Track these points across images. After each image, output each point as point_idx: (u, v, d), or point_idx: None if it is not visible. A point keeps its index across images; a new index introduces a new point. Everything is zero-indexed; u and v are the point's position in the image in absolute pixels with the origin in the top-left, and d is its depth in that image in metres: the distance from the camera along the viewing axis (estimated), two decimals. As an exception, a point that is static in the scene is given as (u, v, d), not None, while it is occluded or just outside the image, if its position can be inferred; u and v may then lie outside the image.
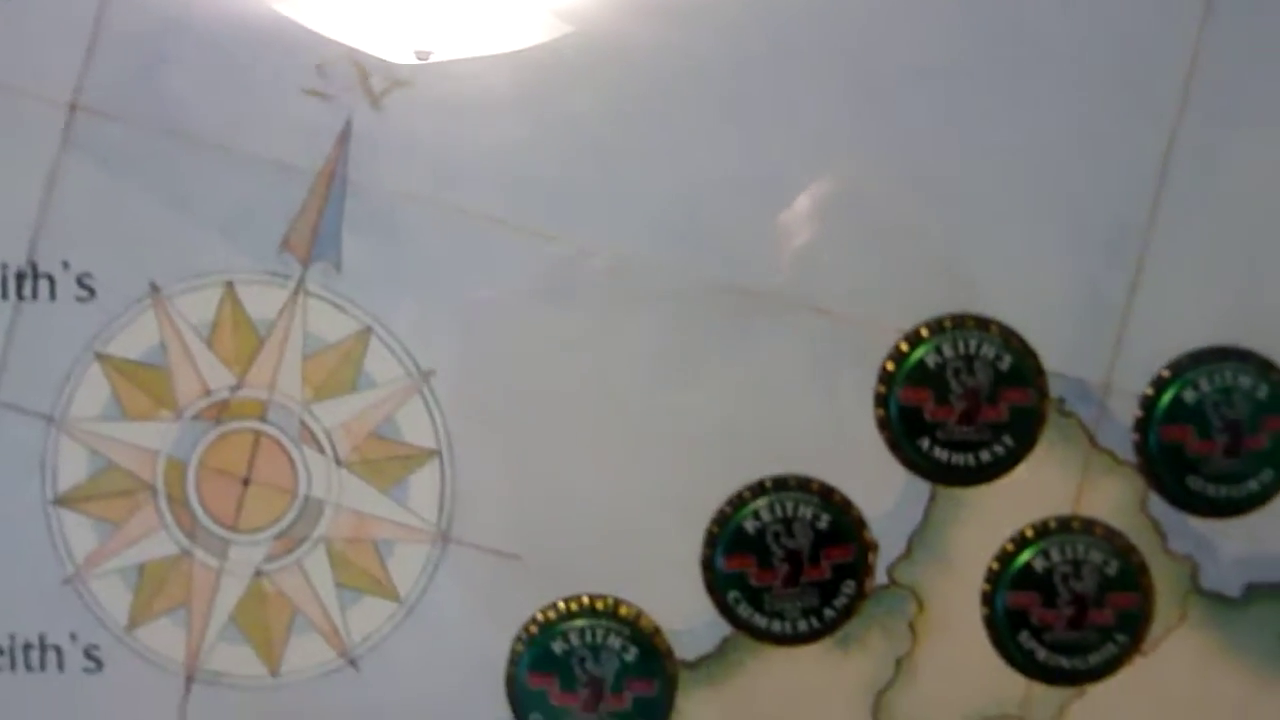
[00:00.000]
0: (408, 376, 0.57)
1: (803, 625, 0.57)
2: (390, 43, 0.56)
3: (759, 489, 0.57)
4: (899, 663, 0.57)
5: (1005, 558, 0.57)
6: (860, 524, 0.57)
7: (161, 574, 0.58)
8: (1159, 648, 0.57)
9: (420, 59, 0.56)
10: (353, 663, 0.58)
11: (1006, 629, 0.56)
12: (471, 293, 0.57)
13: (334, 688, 0.58)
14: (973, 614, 0.57)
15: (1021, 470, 0.57)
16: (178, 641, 0.58)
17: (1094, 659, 0.56)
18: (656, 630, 0.57)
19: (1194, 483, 0.56)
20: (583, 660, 0.57)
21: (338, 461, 0.58)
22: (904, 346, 0.56)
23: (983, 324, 0.56)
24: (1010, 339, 0.56)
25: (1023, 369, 0.56)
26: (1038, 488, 0.57)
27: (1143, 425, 0.56)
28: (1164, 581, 0.57)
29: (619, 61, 0.56)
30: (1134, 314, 0.56)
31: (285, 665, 0.58)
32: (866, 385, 0.57)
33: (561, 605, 0.57)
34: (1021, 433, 0.56)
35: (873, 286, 0.56)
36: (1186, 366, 0.56)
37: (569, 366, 0.57)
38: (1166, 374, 0.56)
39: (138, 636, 0.58)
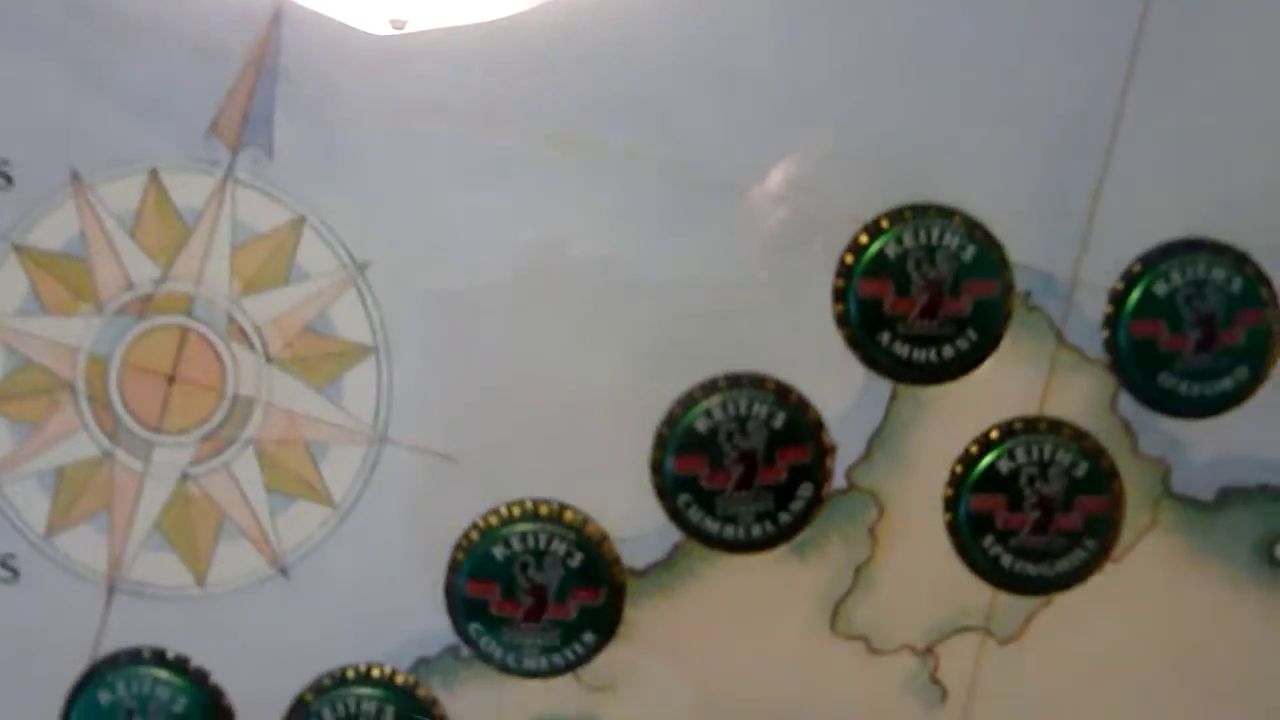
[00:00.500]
0: (342, 269, 0.54)
1: (757, 531, 0.54)
2: (323, -87, 0.53)
3: (711, 387, 0.54)
4: (858, 571, 0.55)
5: (969, 460, 0.54)
6: (818, 425, 0.54)
7: (81, 478, 0.55)
8: (1129, 554, 0.55)
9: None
10: (284, 571, 0.55)
11: (970, 534, 0.54)
12: (409, 180, 0.54)
13: (264, 598, 0.55)
14: (935, 520, 0.55)
15: (986, 368, 0.54)
16: (99, 549, 0.55)
17: (1061, 565, 0.54)
18: (604, 537, 0.54)
19: (1166, 380, 0.54)
20: (525, 567, 0.54)
21: (268, 359, 0.55)
22: (863, 238, 0.54)
23: (946, 213, 0.53)
24: (974, 229, 0.53)
25: (987, 260, 0.53)
26: (1003, 387, 0.54)
27: (1112, 321, 0.54)
28: (1134, 485, 0.54)
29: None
30: (1102, 205, 0.54)
31: (213, 574, 0.55)
32: (824, 280, 0.54)
33: (504, 510, 0.54)
34: (985, 327, 0.54)
35: (831, 177, 0.54)
36: (1157, 259, 0.54)
37: (513, 259, 0.54)
38: (1137, 268, 0.54)
39: (56, 545, 0.55)
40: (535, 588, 0.54)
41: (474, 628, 0.54)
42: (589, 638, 0.54)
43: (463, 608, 0.54)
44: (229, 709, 0.55)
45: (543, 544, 0.54)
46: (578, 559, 0.54)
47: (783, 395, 0.54)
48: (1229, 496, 0.54)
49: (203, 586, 0.55)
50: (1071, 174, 0.54)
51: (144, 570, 0.55)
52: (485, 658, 0.55)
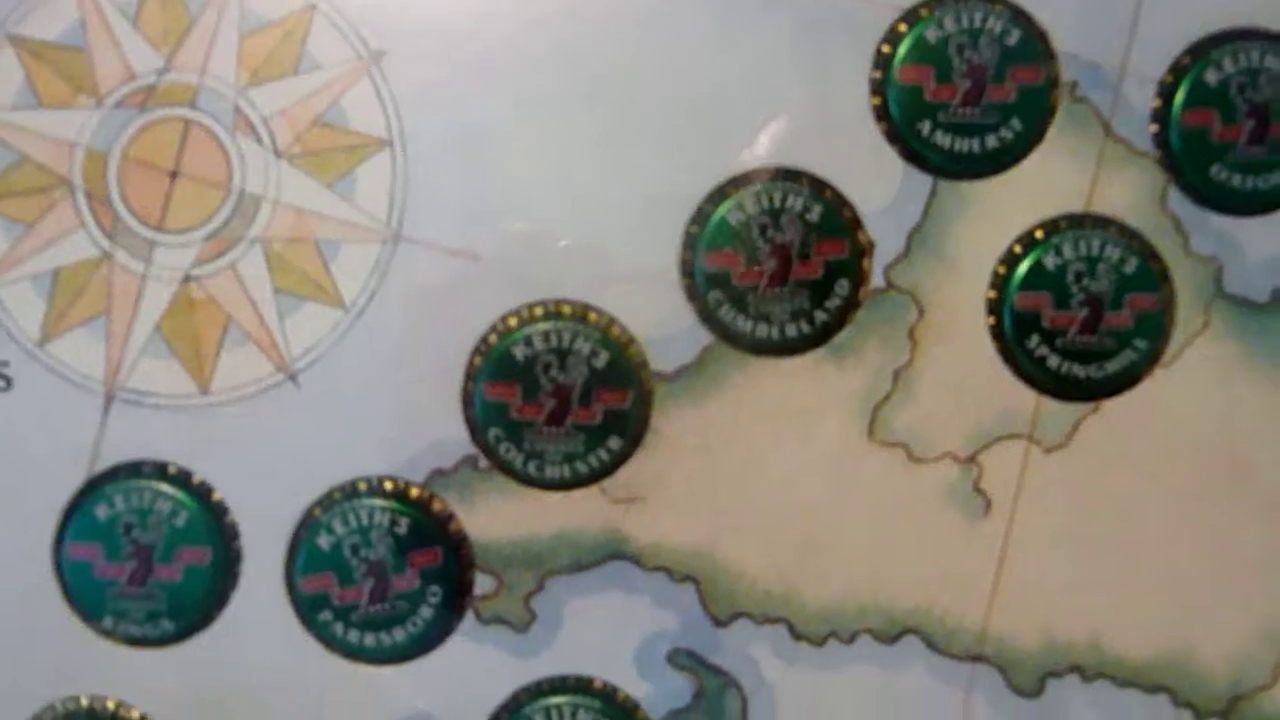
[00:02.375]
0: (356, 58, 0.52)
1: (792, 331, 0.52)
2: None
3: (743, 181, 0.52)
4: (897, 375, 0.53)
5: (1012, 260, 0.52)
6: (855, 222, 0.52)
7: (78, 280, 0.53)
8: (1180, 358, 0.53)
9: None
10: (292, 378, 0.53)
11: (1014, 335, 0.52)
12: (426, -36, 0.52)
13: (271, 406, 0.53)
14: (977, 322, 0.53)
15: (1030, 162, 0.52)
16: (96, 356, 0.53)
17: (1110, 367, 0.52)
18: (630, 340, 0.52)
19: (1218, 173, 0.52)
20: (547, 367, 0.52)
21: (276, 152, 0.52)
22: (901, 27, 0.52)
23: (989, -1, 0.51)
24: (1019, 14, 0.52)
25: (1032, 46, 0.52)
26: (1048, 182, 0.52)
27: (1161, 114, 0.52)
28: (1185, 285, 0.52)
29: None
30: (1152, -8, 0.52)
31: (217, 382, 0.53)
32: (861, 71, 0.52)
33: (524, 311, 0.52)
34: (1030, 116, 0.52)
35: (868, -35, 0.52)
36: (1208, 47, 0.52)
37: (536, 47, 0.52)
38: (1186, 59, 0.52)
39: (51, 351, 0.53)
40: (558, 389, 0.52)
41: (493, 433, 0.52)
42: (614, 443, 0.52)
43: (481, 412, 0.52)
44: (233, 525, 0.53)
45: (566, 342, 0.52)
46: (603, 358, 0.52)
47: (818, 190, 0.52)
48: (1284, 297, 0.52)
49: (206, 395, 0.53)
50: (1118, -39, 0.52)
51: (144, 378, 0.53)
52: (505, 467, 0.52)
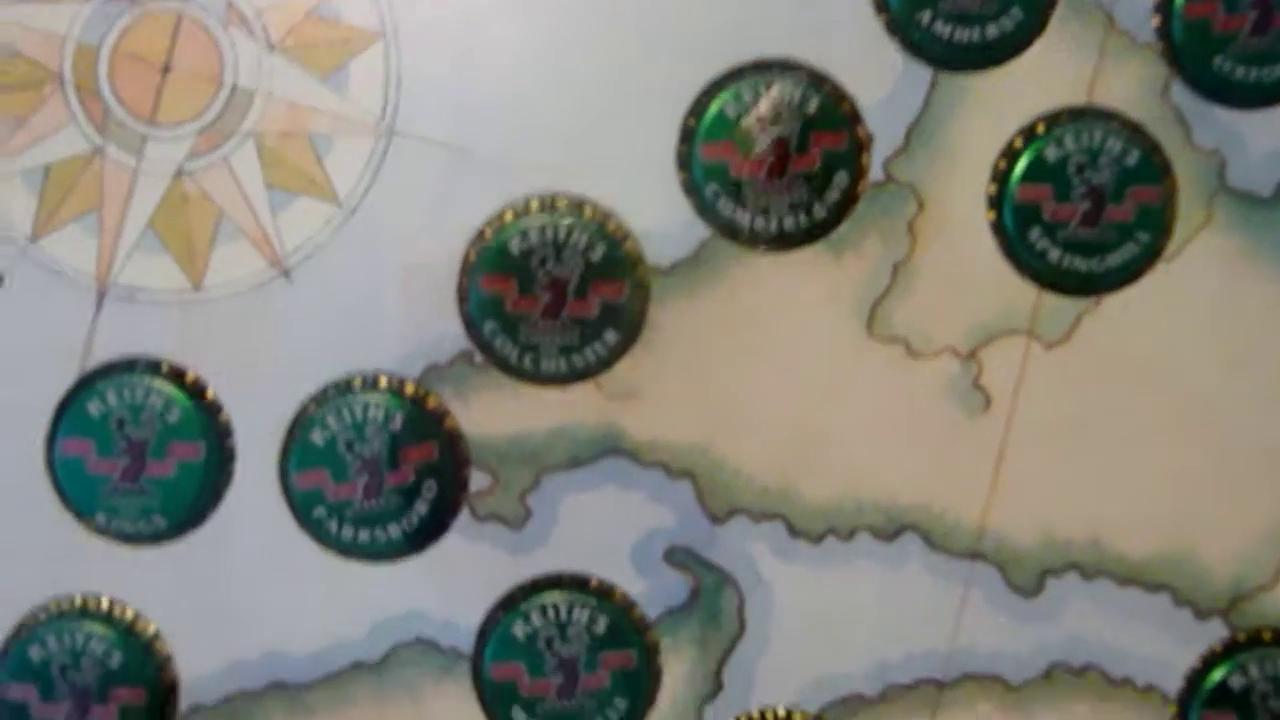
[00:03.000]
0: (348, -52, 0.52)
1: (790, 223, 0.51)
2: None
3: (737, 75, 0.51)
4: (896, 269, 0.52)
5: (1013, 153, 0.52)
6: (853, 115, 0.52)
7: (70, 175, 0.53)
8: (1182, 253, 0.52)
9: None
10: (285, 274, 0.53)
11: (1015, 229, 0.52)
12: None
13: (264, 302, 0.53)
14: (978, 216, 0.52)
15: (1031, 54, 0.52)
16: (88, 252, 0.53)
17: (1112, 260, 0.52)
18: (626, 235, 0.52)
19: (1221, 65, 0.51)
20: (544, 260, 0.51)
21: (269, 45, 0.52)
22: (901, -86, 0.51)
23: (989, -115, 0.51)
24: (1019, -97, 0.51)
25: (1033, -67, 0.51)
26: (1049, 74, 0.52)
27: (1164, 5, 0.52)
28: (1188, 178, 0.52)
29: None
30: (1156, -119, 0.51)
31: (210, 278, 0.53)
32: (860, -38, 0.51)
33: (519, 204, 0.52)
34: (1031, 6, 0.52)
35: None
36: (1213, -64, 0.51)
37: (529, -62, 0.52)
38: (1191, -51, 0.51)
39: (43, 247, 0.53)
40: (554, 282, 0.51)
41: (489, 327, 0.52)
42: (610, 337, 0.52)
43: (476, 307, 0.52)
44: (226, 423, 0.53)
45: (562, 236, 0.51)
46: (599, 251, 0.51)
47: (817, 82, 0.51)
48: (1288, 191, 0.52)
49: (199, 291, 0.53)
50: None
51: (136, 273, 0.53)
52: (500, 362, 0.52)
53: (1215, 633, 0.53)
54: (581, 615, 0.53)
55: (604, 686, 0.53)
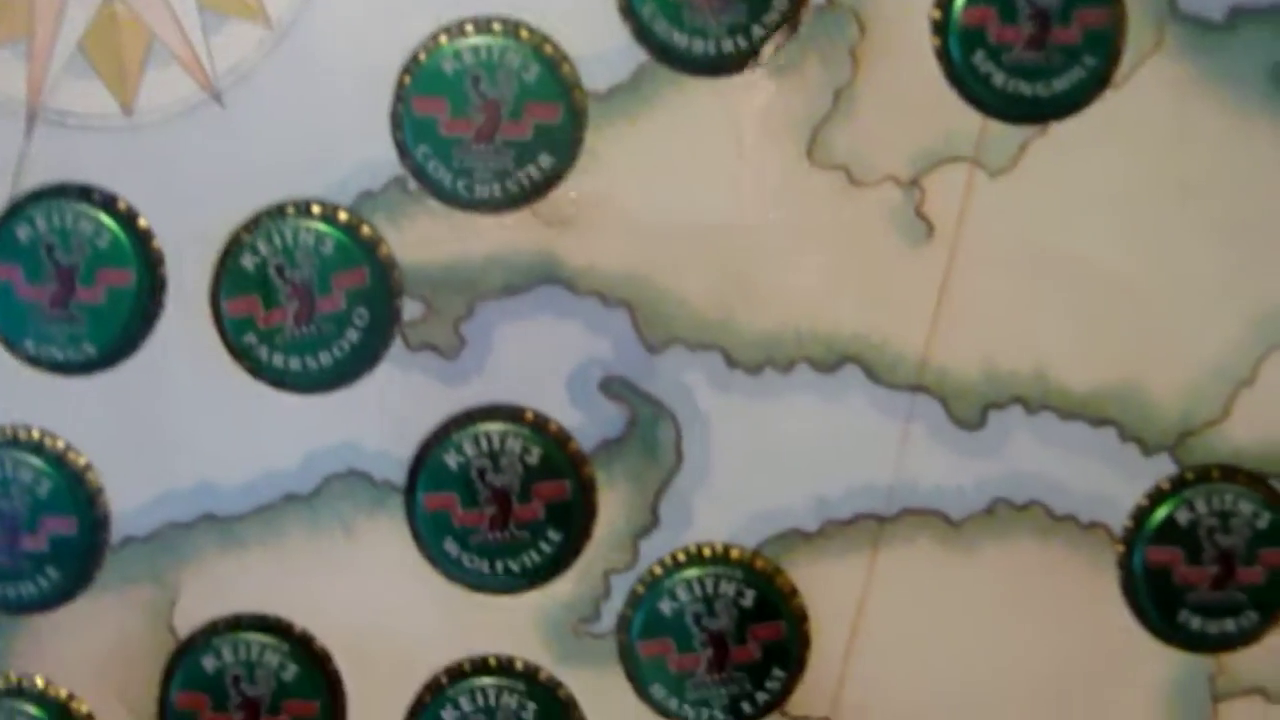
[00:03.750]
0: None
1: (728, 45, 0.51)
2: None
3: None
4: (838, 94, 0.51)
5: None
6: (792, -60, 0.50)
7: (-1, -3, 0.52)
8: (1131, 79, 0.51)
9: None
10: (217, 97, 0.52)
11: (960, 53, 0.51)
12: None
13: (196, 127, 0.53)
14: (921, 40, 0.51)
15: (976, -127, 0.50)
16: (17, 76, 0.53)
17: (1059, 85, 0.51)
18: (563, 57, 0.51)
19: (1173, -117, 0.50)
20: (477, 81, 0.52)
21: None
22: None
23: None
24: None
25: None
26: (995, -105, 0.50)
27: None
28: (1137, 2, 0.50)
29: None
30: None
31: (140, 101, 0.52)
32: None
33: (455, 26, 0.51)
34: None
35: None
36: None
37: None
38: None
39: (-28, 71, 0.52)
40: (488, 104, 0.51)
41: (421, 151, 0.51)
42: (545, 161, 0.51)
43: (410, 131, 0.52)
44: (158, 251, 0.52)
45: (496, 57, 0.51)
46: (534, 73, 0.51)
47: (756, -99, 0.50)
48: (1241, 17, 0.51)
49: (130, 115, 0.52)
50: None
51: (67, 97, 0.52)
52: (434, 188, 0.52)
53: (1162, 469, 0.52)
54: (515, 446, 0.52)
55: (537, 518, 0.52)
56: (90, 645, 0.54)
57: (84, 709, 0.54)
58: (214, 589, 0.54)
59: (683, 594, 0.52)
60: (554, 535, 0.52)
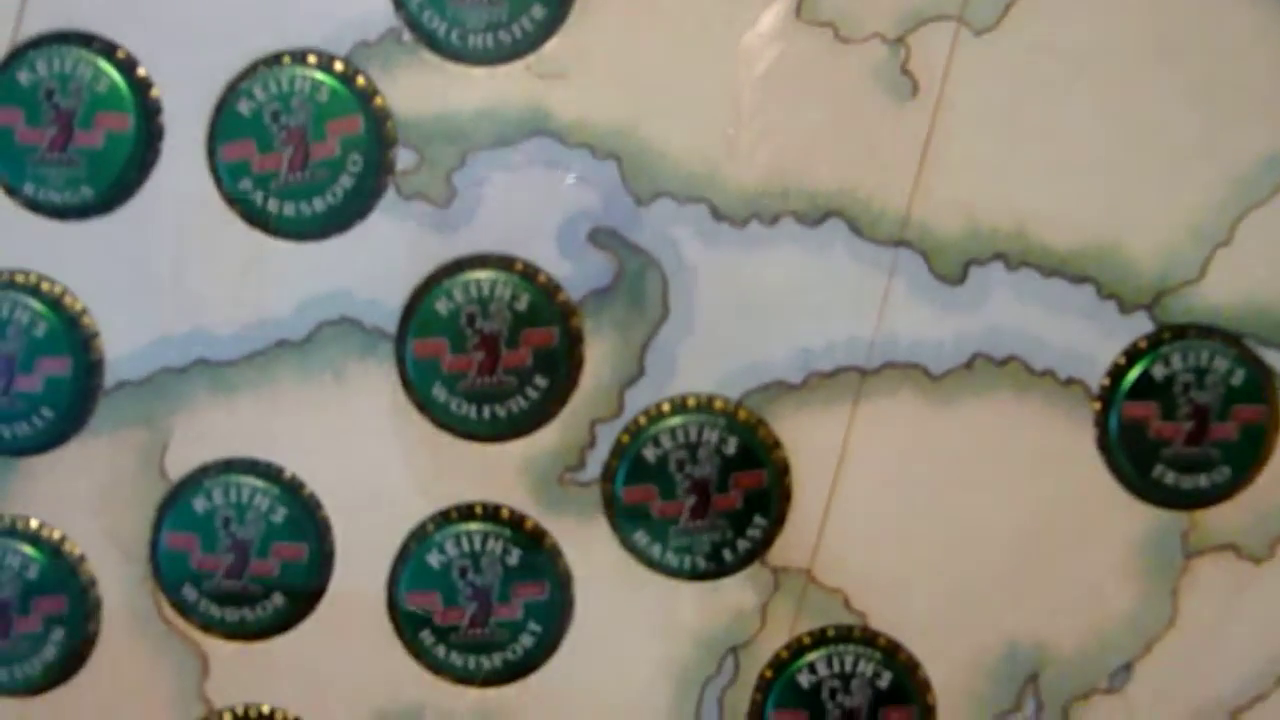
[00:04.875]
0: None
1: (719, -99, 0.51)
2: None
3: None
4: (826, -48, 0.52)
5: None
6: None
7: None
8: (1115, -58, 0.52)
9: None
10: (216, -53, 0.53)
11: (946, -88, 0.51)
12: None
13: (195, -24, 0.53)
14: (909, -100, 0.52)
15: None
16: (20, -76, 0.53)
17: (1042, -56, 0.51)
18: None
19: None
20: (472, -68, 0.51)
21: None
22: None
23: None
24: None
25: None
26: None
27: None
28: None
29: None
30: None
31: (141, -49, 0.53)
32: None
33: (450, -121, 0.52)
34: None
35: None
36: None
37: None
38: None
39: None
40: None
41: (416, 2, 0.52)
42: (538, 13, 0.53)
43: (405, -29, 0.52)
44: (156, 100, 0.54)
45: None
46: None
47: None
48: (1223, -117, 0.52)
49: (130, -36, 0.53)
50: None
51: (68, -54, 0.53)
52: (428, 39, 0.53)
53: (1140, 327, 0.53)
54: (504, 293, 0.53)
55: (525, 365, 0.53)
56: (83, 487, 0.55)
57: (76, 550, 0.55)
58: (205, 433, 0.55)
59: (666, 441, 0.53)
60: (541, 382, 0.53)
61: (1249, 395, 0.53)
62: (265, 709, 0.55)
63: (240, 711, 0.55)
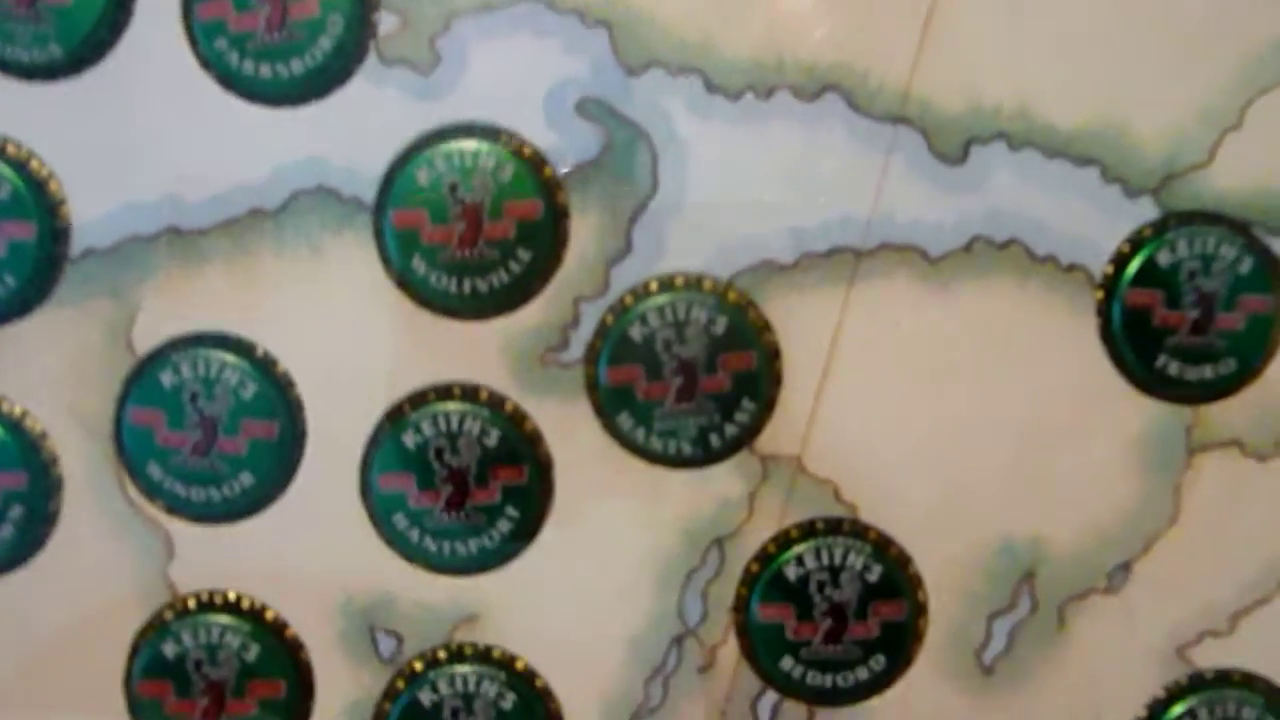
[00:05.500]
0: None
1: None
2: None
3: None
4: None
5: None
6: None
7: None
8: None
9: None
10: None
11: None
12: None
13: None
14: None
15: None
16: None
17: None
18: None
19: None
20: None
21: None
22: None
23: None
24: None
25: None
26: None
27: None
28: None
29: None
30: None
31: None
32: None
33: None
34: None
35: None
36: None
37: None
38: None
39: None
40: None
41: None
42: None
43: None
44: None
45: None
46: None
47: None
48: None
49: None
50: None
51: None
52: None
53: (1145, 213, 0.52)
54: (488, 163, 0.51)
55: (508, 236, 0.51)
56: (46, 361, 0.53)
57: (38, 427, 0.53)
58: (175, 306, 0.53)
59: (653, 320, 0.52)
60: (524, 255, 0.52)
61: (1256, 285, 0.51)
62: (231, 595, 0.53)
63: (205, 597, 0.54)
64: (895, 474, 0.53)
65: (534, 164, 0.52)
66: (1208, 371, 0.52)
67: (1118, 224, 0.52)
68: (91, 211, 0.53)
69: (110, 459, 0.53)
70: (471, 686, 0.53)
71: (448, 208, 0.51)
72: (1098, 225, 0.52)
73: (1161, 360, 0.52)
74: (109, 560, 0.54)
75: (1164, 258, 0.51)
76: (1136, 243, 0.52)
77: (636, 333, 0.52)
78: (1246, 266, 0.52)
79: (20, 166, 0.52)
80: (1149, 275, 0.52)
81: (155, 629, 0.54)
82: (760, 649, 0.53)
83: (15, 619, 0.54)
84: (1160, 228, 0.52)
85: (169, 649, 0.53)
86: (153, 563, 0.54)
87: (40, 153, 0.52)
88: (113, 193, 0.53)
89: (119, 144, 0.52)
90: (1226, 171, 0.52)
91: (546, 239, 0.52)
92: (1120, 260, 0.52)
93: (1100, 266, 0.52)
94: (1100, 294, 0.52)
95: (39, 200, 0.52)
